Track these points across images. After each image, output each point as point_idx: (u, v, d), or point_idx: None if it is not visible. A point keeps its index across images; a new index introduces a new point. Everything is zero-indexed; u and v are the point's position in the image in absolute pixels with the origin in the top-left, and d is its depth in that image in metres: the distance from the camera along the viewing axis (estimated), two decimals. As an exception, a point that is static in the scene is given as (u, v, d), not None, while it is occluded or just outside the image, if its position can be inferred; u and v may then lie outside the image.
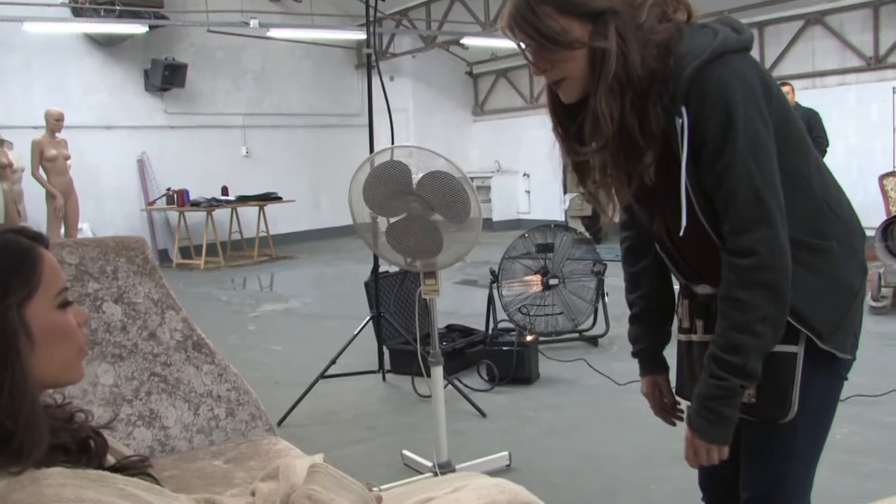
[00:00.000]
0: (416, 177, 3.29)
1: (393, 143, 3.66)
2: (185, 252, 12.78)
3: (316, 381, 4.76)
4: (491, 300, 5.99)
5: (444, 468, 3.56)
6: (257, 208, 13.15)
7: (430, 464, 3.67)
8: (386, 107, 4.62)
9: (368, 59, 5.09)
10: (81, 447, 1.35)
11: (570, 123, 1.74)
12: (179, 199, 12.45)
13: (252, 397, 2.85)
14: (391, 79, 14.98)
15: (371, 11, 4.69)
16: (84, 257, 2.72)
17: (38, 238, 1.34)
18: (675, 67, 1.57)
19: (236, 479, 2.38)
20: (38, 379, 1.27)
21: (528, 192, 15.27)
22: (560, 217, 13.43)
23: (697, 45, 1.57)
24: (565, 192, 12.94)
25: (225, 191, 13.17)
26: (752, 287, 1.58)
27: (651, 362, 2.06)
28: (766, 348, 1.61)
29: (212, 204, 12.47)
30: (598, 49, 1.57)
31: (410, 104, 15.37)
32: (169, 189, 12.64)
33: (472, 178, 3.41)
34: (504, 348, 5.17)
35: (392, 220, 3.37)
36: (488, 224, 15.03)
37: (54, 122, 9.59)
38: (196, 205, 12.44)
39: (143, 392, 2.69)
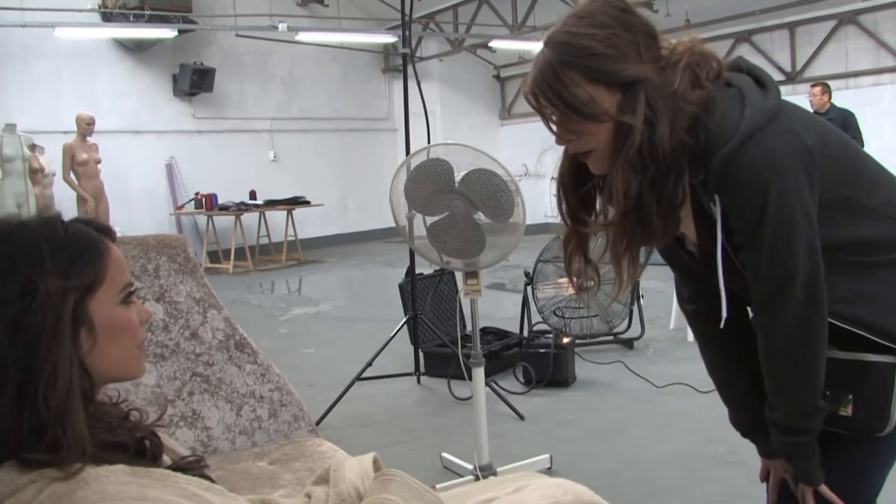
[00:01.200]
0: (459, 175, 3.24)
1: (429, 143, 3.61)
2: (213, 256, 12.81)
3: (352, 383, 4.72)
4: (526, 302, 5.93)
5: (485, 470, 3.50)
6: (285, 212, 13.16)
7: (470, 466, 3.61)
8: (423, 107, 4.59)
9: (405, 59, 5.06)
10: (138, 446, 1.30)
11: (574, 193, 1.68)
12: (208, 203, 12.48)
13: (295, 398, 2.81)
14: (418, 83, 14.95)
15: (405, 12, 4.64)
16: (125, 255, 2.67)
17: (106, 231, 1.29)
18: (704, 147, 1.50)
19: (282, 481, 2.34)
20: (99, 373, 1.23)
21: (556, 195, 15.17)
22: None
23: (727, 123, 1.49)
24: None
25: (253, 195, 13.18)
26: (776, 357, 1.60)
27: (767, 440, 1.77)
28: (801, 408, 1.61)
29: (240, 208, 12.48)
30: (625, 122, 1.49)
31: (438, 108, 15.32)
32: (197, 193, 12.68)
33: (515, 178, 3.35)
34: (540, 350, 5.11)
35: (434, 218, 3.32)
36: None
37: (85, 127, 9.63)
38: (224, 209, 12.46)
39: (185, 392, 2.66)
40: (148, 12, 11.12)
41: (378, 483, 1.51)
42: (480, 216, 3.25)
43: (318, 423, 4.49)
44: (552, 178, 14.97)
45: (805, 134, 1.51)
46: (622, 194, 1.52)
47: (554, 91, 1.51)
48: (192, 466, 1.40)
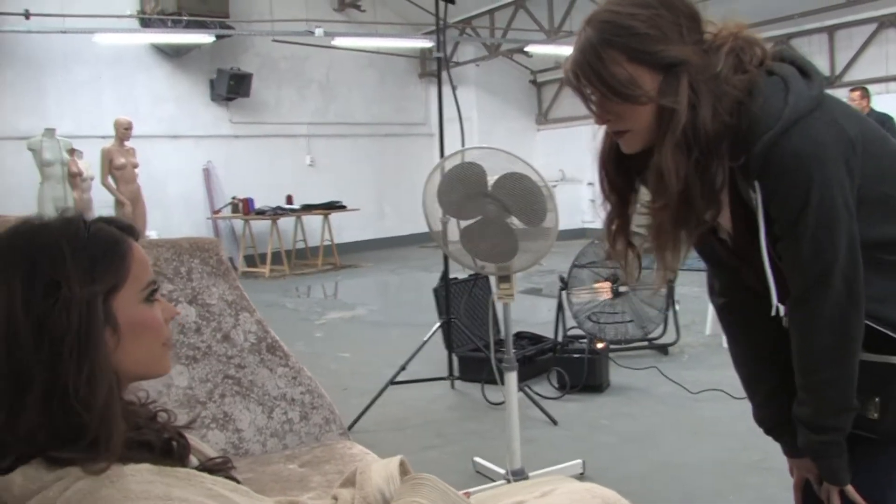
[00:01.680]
0: (492, 179, 3.23)
1: (463, 147, 3.60)
2: (250, 260, 12.89)
3: (385, 387, 4.72)
4: (560, 307, 5.90)
5: (518, 475, 3.49)
6: (322, 217, 13.20)
7: (502, 471, 3.60)
8: (457, 112, 4.59)
9: (439, 63, 5.06)
10: (165, 446, 1.31)
11: (616, 173, 1.66)
12: (244, 207, 12.55)
13: (326, 401, 2.81)
14: (454, 87, 14.96)
15: (439, 17, 4.65)
16: (158, 258, 2.71)
17: (129, 230, 1.30)
18: (747, 132, 1.48)
19: (312, 483, 2.34)
20: (123, 372, 1.23)
21: (593, 200, 15.13)
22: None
23: (770, 110, 1.47)
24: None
25: (290, 199, 13.25)
26: (812, 352, 1.57)
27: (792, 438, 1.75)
28: (834, 406, 1.58)
29: (276, 212, 12.54)
30: (667, 105, 1.48)
31: (474, 113, 15.32)
32: (234, 198, 12.76)
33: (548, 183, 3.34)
34: (575, 356, 5.08)
35: (467, 222, 3.31)
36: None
37: (123, 131, 9.74)
38: (261, 213, 12.53)
39: (216, 394, 2.67)
40: (186, 18, 11.22)
41: (408, 486, 1.50)
42: (513, 220, 3.23)
43: (351, 427, 4.50)
44: (588, 183, 14.91)
45: (847, 125, 1.49)
46: (672, 176, 1.49)
47: (594, 70, 1.49)
48: (218, 467, 1.40)
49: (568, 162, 15.44)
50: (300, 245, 13.41)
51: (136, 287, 1.24)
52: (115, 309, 1.20)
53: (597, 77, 1.49)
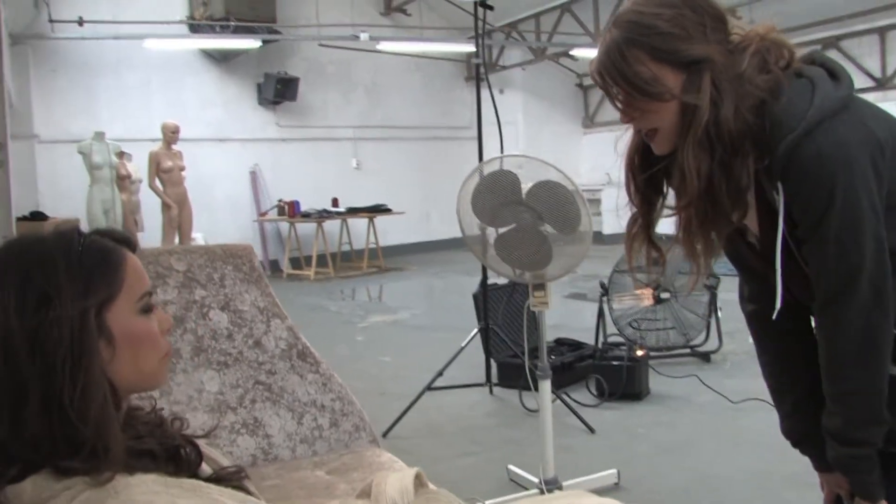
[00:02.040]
0: (526, 186, 3.22)
1: (501, 153, 3.59)
2: (295, 263, 12.97)
3: (422, 393, 4.72)
4: (601, 314, 5.86)
5: (551, 484, 3.47)
6: (367, 220, 13.26)
7: (536, 479, 3.58)
8: (496, 117, 4.58)
9: (477, 69, 5.05)
10: (171, 455, 1.31)
11: (641, 173, 1.68)
12: (290, 210, 12.64)
13: (356, 408, 2.81)
14: (501, 91, 14.96)
15: (480, 22, 4.64)
16: (192, 264, 2.73)
17: (125, 241, 1.31)
18: (770, 132, 1.46)
19: (338, 491, 2.35)
20: (120, 383, 1.24)
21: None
22: (671, 231, 13.15)
23: (794, 111, 1.45)
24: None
25: (335, 202, 13.32)
26: (838, 359, 1.53)
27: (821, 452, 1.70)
28: (862, 417, 1.54)
29: (322, 215, 12.62)
30: (690, 102, 1.48)
31: (520, 116, 15.31)
32: (280, 200, 12.86)
33: (582, 191, 3.32)
34: (614, 363, 5.04)
35: (501, 230, 3.30)
36: (598, 237, 14.82)
37: (170, 135, 9.87)
38: (307, 216, 12.61)
39: (247, 400, 2.68)
40: (234, 23, 11.33)
41: (422, 500, 1.50)
42: (547, 228, 3.22)
43: (387, 433, 4.51)
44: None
45: (877, 127, 1.47)
46: (694, 174, 1.50)
47: (618, 70, 1.51)
48: (230, 477, 1.41)
49: (615, 166, 15.16)
50: (345, 248, 13.48)
51: (131, 298, 1.25)
52: (109, 321, 1.21)
53: (621, 76, 1.52)
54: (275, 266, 13.16)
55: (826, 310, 1.52)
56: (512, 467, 3.87)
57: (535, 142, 15.15)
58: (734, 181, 1.51)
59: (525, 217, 3.21)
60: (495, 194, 3.23)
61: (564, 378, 5.19)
